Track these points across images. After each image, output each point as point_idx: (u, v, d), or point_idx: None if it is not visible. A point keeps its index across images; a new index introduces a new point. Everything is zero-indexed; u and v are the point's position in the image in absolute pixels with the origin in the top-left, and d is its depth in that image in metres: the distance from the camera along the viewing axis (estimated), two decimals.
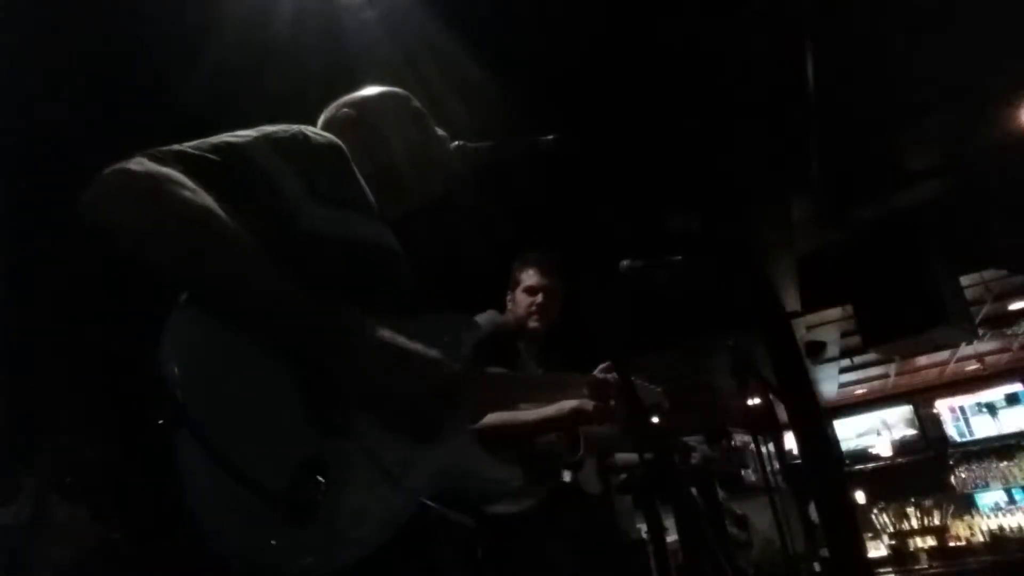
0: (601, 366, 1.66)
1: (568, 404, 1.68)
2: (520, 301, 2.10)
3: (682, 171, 3.52)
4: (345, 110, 1.21)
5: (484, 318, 2.02)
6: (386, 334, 0.85)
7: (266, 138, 0.94)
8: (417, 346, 0.87)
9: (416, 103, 1.24)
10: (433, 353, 0.88)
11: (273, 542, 0.69)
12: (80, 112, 2.37)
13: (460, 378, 0.92)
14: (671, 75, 2.87)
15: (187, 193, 0.78)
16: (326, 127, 1.19)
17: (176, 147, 0.86)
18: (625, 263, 1.92)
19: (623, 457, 2.37)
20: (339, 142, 1.04)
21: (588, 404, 1.64)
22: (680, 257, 1.94)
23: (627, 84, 2.86)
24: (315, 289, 0.82)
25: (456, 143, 1.23)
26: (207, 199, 0.79)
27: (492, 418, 1.64)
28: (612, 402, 1.59)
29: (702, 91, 2.98)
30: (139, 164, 0.80)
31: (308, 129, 1.00)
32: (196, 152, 0.86)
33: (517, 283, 2.13)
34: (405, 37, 2.33)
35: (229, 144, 0.90)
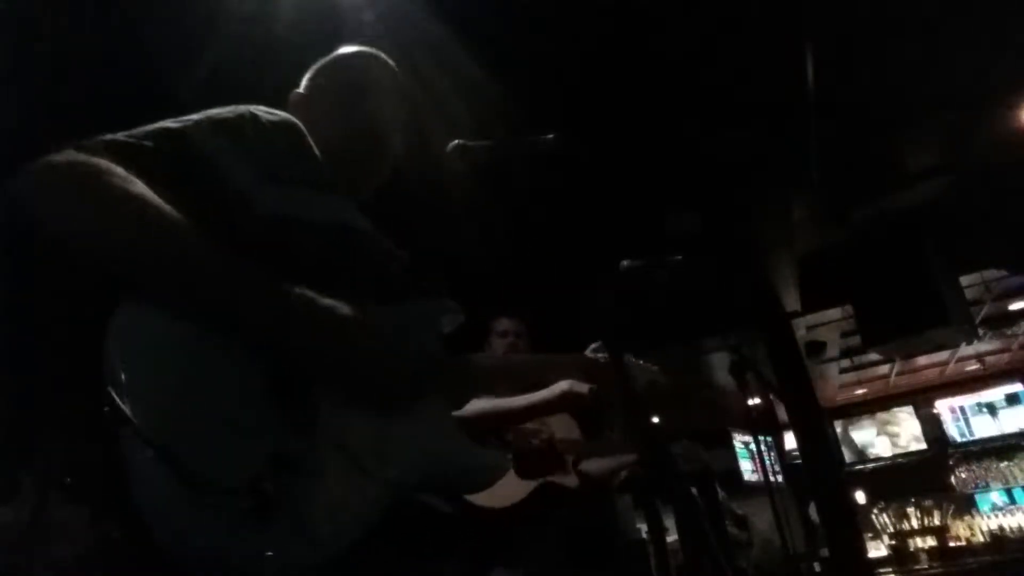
0: (592, 346, 1.64)
1: (560, 386, 1.65)
2: (495, 344, 2.47)
3: (682, 171, 3.52)
4: (305, 83, 1.19)
5: None
6: (335, 307, 0.81)
7: (209, 121, 0.89)
8: (371, 322, 0.84)
9: (376, 67, 1.20)
10: (385, 330, 0.85)
11: (239, 542, 0.65)
12: (79, 110, 2.37)
13: (415, 354, 0.89)
14: (671, 75, 2.87)
15: (117, 181, 0.74)
16: (291, 101, 1.17)
17: (108, 137, 0.82)
18: (625, 263, 1.92)
19: (600, 464, 2.40)
20: (294, 120, 1.00)
21: (581, 386, 1.62)
22: (680, 257, 1.94)
23: (627, 84, 2.86)
24: (271, 271, 0.78)
25: (456, 142, 1.23)
26: (139, 186, 0.75)
27: (481, 404, 1.62)
28: (604, 382, 1.56)
29: (702, 91, 2.98)
30: (66, 156, 0.77)
31: (259, 109, 0.96)
32: (129, 140, 0.82)
33: (491, 331, 2.51)
34: (405, 37, 2.33)
35: (167, 129, 0.86)
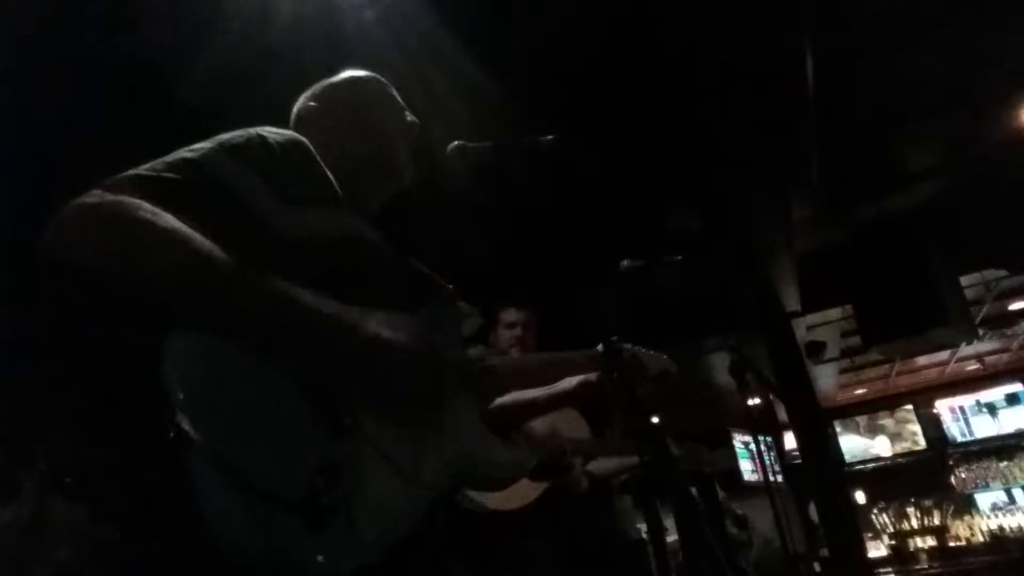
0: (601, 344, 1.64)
1: (576, 378, 1.67)
2: (502, 336, 2.36)
3: (682, 171, 3.52)
4: (309, 103, 1.22)
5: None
6: (353, 316, 0.85)
7: (221, 147, 0.93)
8: (386, 331, 0.88)
9: (381, 87, 1.24)
10: (398, 336, 0.89)
11: (296, 547, 0.69)
12: (80, 112, 2.37)
13: (437, 358, 0.93)
14: (671, 75, 2.87)
15: (146, 215, 0.78)
16: (294, 122, 1.20)
17: (132, 172, 0.86)
18: (625, 263, 1.92)
19: (605, 464, 2.42)
20: (300, 138, 1.04)
21: (594, 376, 1.62)
22: (680, 257, 1.95)
23: (627, 84, 2.86)
24: (292, 284, 0.82)
25: (456, 143, 1.23)
26: (167, 218, 0.79)
27: (501, 399, 1.62)
28: (616, 374, 1.56)
29: (702, 91, 2.98)
30: (95, 196, 0.80)
31: (266, 130, 1.00)
32: (152, 174, 0.86)
33: (497, 321, 2.40)
34: (405, 37, 2.33)
35: (185, 160, 0.90)
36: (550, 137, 1.15)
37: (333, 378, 0.82)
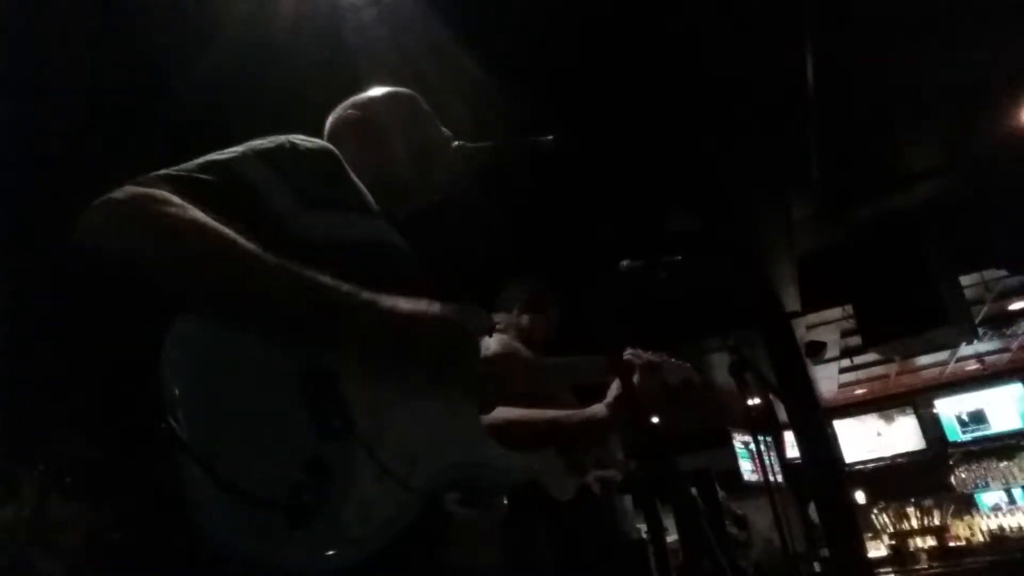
0: (629, 350, 1.62)
1: (603, 404, 1.61)
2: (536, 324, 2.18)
3: (682, 171, 3.52)
4: (350, 111, 1.24)
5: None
6: (388, 300, 0.88)
7: (252, 151, 0.96)
8: (423, 304, 0.91)
9: (421, 103, 1.27)
10: (436, 308, 0.91)
11: (275, 546, 0.70)
12: (80, 113, 2.37)
13: (466, 323, 0.94)
14: (671, 75, 2.87)
15: (172, 209, 0.80)
16: (332, 128, 1.23)
17: (162, 171, 0.88)
18: (625, 263, 1.92)
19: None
20: (330, 147, 1.07)
21: (619, 398, 1.56)
22: (680, 257, 1.94)
23: (627, 84, 2.86)
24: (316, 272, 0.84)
25: (456, 143, 1.24)
26: (194, 212, 0.81)
27: (509, 414, 1.58)
28: (636, 378, 1.52)
29: (702, 91, 2.98)
30: (126, 191, 0.83)
31: (296, 137, 1.02)
32: (182, 173, 0.88)
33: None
34: (405, 37, 2.33)
35: (215, 162, 0.92)
36: (550, 137, 1.16)
37: (354, 355, 0.83)
